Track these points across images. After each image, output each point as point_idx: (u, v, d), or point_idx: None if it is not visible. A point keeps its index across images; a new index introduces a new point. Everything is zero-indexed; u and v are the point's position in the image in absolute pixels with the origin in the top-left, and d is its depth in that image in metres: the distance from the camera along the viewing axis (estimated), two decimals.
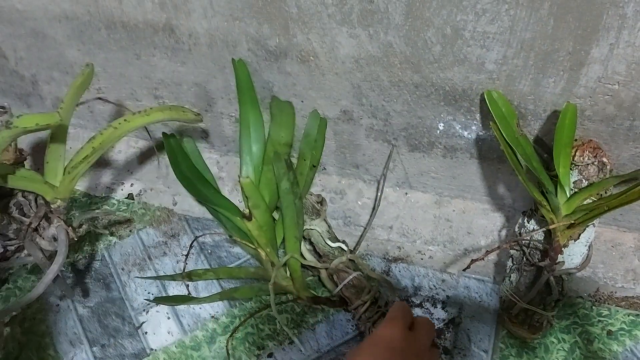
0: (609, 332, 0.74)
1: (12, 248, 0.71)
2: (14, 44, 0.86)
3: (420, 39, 0.64)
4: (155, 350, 0.77)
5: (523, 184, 0.65)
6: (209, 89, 0.83)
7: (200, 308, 0.80)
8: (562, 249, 0.68)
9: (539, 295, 0.69)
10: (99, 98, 0.80)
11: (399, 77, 0.70)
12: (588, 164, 0.67)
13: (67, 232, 0.71)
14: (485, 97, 0.66)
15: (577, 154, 0.68)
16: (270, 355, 0.75)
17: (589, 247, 0.70)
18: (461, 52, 0.63)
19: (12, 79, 0.94)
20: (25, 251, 0.72)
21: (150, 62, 0.81)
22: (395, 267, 0.82)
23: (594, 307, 0.76)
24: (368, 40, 0.66)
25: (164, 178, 0.94)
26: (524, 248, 0.71)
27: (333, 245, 0.78)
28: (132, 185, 0.95)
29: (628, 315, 0.75)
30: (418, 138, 0.78)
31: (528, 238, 0.70)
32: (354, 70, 0.71)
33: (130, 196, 0.93)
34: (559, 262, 0.67)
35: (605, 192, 0.68)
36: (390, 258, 0.83)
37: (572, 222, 0.65)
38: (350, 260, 0.78)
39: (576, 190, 0.66)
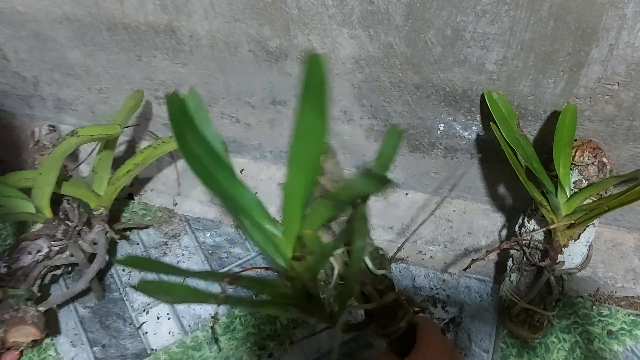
0: (610, 332, 0.74)
1: (56, 249, 0.77)
2: (16, 45, 0.87)
3: (421, 40, 0.64)
4: (156, 350, 0.77)
5: (523, 184, 0.65)
6: (209, 90, 0.83)
7: (200, 308, 0.80)
8: (562, 248, 0.68)
9: (540, 295, 0.69)
10: (137, 125, 0.91)
11: (400, 78, 0.70)
12: (588, 164, 0.68)
13: (107, 236, 0.79)
14: (486, 97, 0.66)
15: (577, 154, 0.68)
16: (270, 355, 0.75)
17: (589, 247, 0.70)
18: (461, 53, 0.64)
19: (14, 80, 0.94)
20: (67, 253, 0.78)
21: (152, 64, 0.82)
22: (396, 267, 0.82)
23: (594, 307, 0.76)
24: (368, 41, 0.67)
25: (164, 178, 0.94)
26: (524, 248, 0.71)
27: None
28: (132, 185, 0.95)
29: (628, 315, 0.75)
30: (418, 139, 0.78)
31: (528, 238, 0.71)
32: (355, 71, 0.71)
33: (130, 196, 0.94)
34: (559, 262, 0.68)
35: (605, 192, 0.69)
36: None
37: (572, 222, 0.65)
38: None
39: (576, 190, 0.67)
